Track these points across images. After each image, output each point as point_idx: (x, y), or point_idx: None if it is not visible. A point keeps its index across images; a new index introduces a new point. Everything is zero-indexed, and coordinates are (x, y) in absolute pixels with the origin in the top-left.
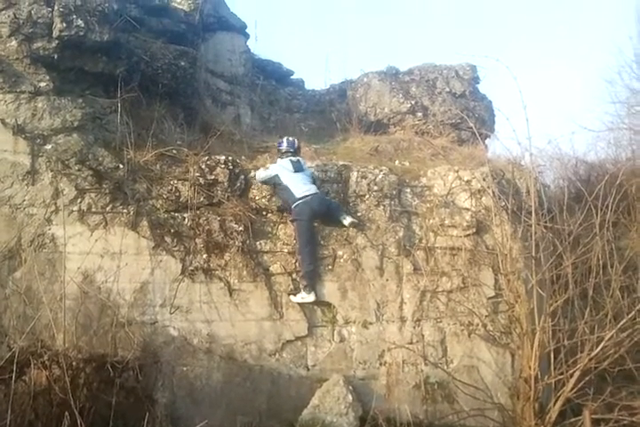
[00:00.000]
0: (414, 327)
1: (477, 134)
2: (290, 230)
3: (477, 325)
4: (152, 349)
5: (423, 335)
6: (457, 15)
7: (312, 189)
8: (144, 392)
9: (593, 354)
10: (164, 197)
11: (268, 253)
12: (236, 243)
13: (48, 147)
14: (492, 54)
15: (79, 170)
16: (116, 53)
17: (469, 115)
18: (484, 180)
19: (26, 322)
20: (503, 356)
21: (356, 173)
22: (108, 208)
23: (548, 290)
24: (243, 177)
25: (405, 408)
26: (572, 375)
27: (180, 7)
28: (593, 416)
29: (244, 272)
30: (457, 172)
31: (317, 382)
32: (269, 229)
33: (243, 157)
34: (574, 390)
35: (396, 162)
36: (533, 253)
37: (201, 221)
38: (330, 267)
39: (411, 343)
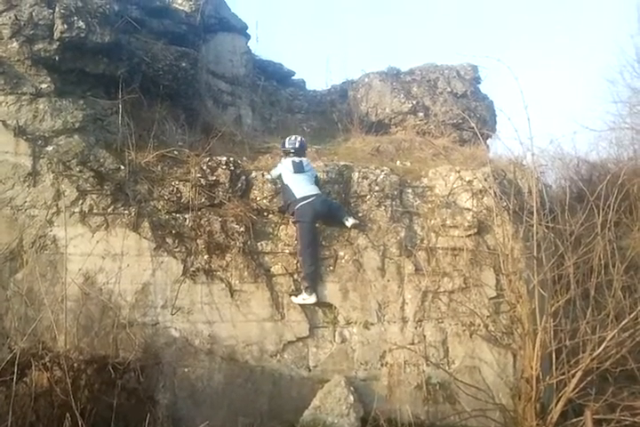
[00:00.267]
0: (416, 328)
1: (479, 134)
2: (291, 231)
3: (479, 325)
4: (153, 350)
5: (424, 336)
6: (458, 15)
7: (313, 190)
8: (145, 394)
9: (595, 354)
10: (166, 198)
11: (270, 254)
12: (238, 244)
13: (49, 148)
14: (493, 54)
15: (80, 171)
16: (117, 55)
17: (471, 115)
18: (485, 180)
19: (27, 323)
20: (505, 356)
21: (357, 174)
22: (109, 209)
23: (550, 290)
24: (244, 178)
25: (407, 409)
26: (573, 376)
27: (181, 8)
28: (595, 417)
29: (246, 273)
30: (458, 172)
31: (319, 382)
32: (270, 230)
33: (244, 158)
34: (576, 390)
35: (398, 162)
36: (535, 254)
37: (202, 222)
38: (331, 267)
39: (412, 344)
